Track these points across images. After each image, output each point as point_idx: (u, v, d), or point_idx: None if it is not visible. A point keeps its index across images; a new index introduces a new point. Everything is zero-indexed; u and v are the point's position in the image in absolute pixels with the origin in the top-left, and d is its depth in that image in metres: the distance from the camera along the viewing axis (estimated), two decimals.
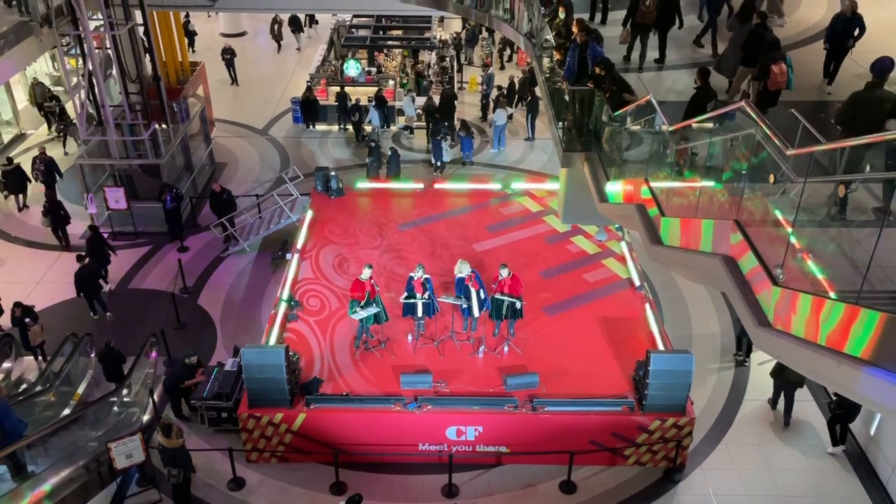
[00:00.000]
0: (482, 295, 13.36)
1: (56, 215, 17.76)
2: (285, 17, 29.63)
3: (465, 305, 13.45)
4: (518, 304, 13.14)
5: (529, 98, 23.14)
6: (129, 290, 16.87)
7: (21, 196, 19.52)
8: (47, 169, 19.07)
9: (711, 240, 7.71)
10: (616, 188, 10.60)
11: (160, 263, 17.70)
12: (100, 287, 15.85)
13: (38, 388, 13.01)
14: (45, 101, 23.06)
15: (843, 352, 5.23)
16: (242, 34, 31.88)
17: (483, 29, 28.43)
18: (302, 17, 30.48)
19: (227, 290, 16.84)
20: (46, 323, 15.02)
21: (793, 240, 6.14)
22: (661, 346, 13.30)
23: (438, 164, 21.18)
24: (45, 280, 16.98)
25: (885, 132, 6.75)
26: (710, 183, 8.45)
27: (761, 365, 14.54)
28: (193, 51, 27.66)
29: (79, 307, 16.03)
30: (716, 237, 7.60)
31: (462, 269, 13.40)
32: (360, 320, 13.21)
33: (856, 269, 5.43)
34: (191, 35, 27.90)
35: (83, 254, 15.79)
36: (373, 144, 20.60)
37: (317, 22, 32.03)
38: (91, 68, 16.98)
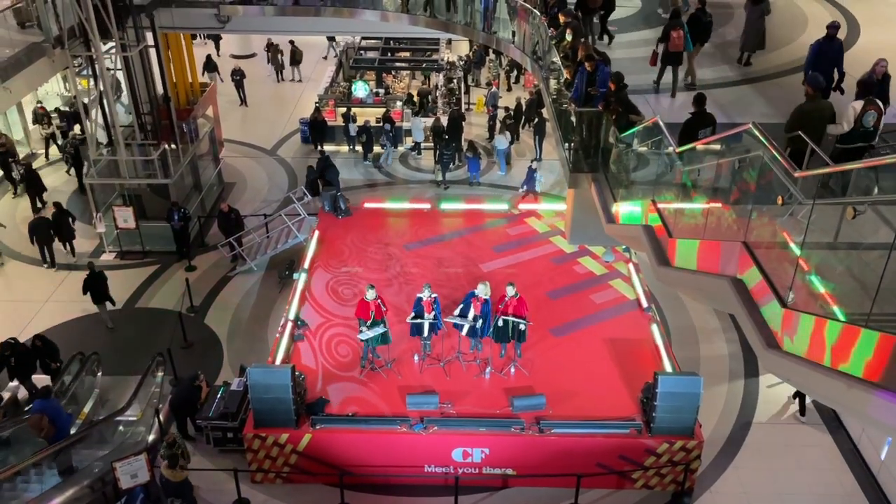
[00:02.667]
0: (480, 323, 13.27)
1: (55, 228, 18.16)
2: (285, 48, 29.75)
3: (464, 330, 13.40)
4: (522, 326, 13.10)
5: (536, 120, 23.24)
6: (136, 308, 16.91)
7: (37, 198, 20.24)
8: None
9: (719, 261, 7.69)
10: (623, 209, 10.60)
11: (168, 282, 17.75)
12: (52, 238, 17.74)
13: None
14: (42, 125, 23.22)
15: (853, 374, 5.19)
16: (252, 56, 32.19)
17: (490, 51, 28.63)
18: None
19: (234, 309, 16.86)
20: (54, 341, 15.05)
21: (801, 261, 6.12)
22: (668, 368, 13.22)
23: (442, 179, 21.52)
24: (53, 299, 17.04)
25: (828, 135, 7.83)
26: (718, 204, 8.45)
27: (770, 388, 14.42)
28: (221, 80, 28.14)
29: (86, 325, 16.08)
30: (724, 259, 7.58)
31: (479, 289, 13.36)
32: (366, 340, 13.18)
33: (865, 290, 5.40)
34: (212, 64, 28.43)
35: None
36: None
37: (335, 51, 31.89)
38: (102, 89, 17.18)
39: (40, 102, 24.07)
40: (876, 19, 17.52)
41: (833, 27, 10.46)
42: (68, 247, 18.39)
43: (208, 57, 28.41)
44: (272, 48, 29.82)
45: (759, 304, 6.80)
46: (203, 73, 26.51)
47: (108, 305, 16.18)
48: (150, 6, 17.97)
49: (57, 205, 18.35)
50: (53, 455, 11.49)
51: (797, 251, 6.25)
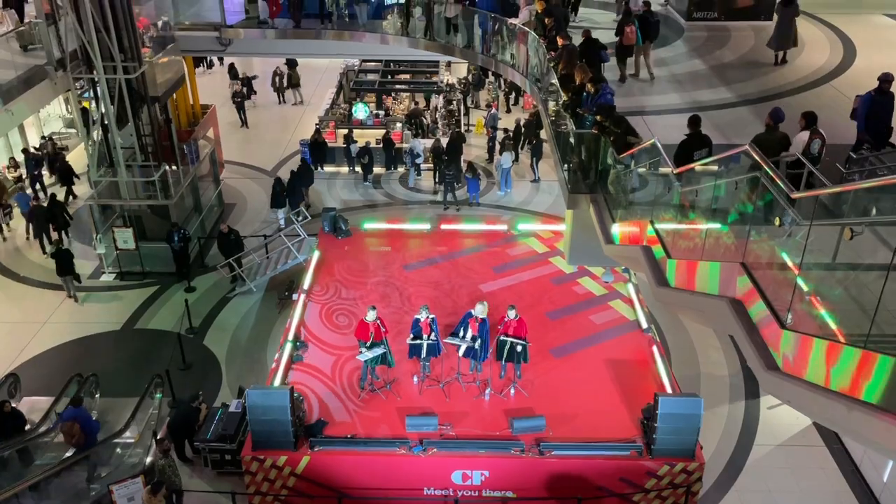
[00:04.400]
0: (478, 343, 13.23)
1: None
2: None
3: (461, 350, 13.37)
4: (520, 347, 13.07)
5: (534, 141, 23.35)
6: (134, 330, 16.88)
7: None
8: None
9: (718, 282, 7.69)
10: (622, 230, 10.62)
11: (167, 304, 17.72)
12: (47, 226, 18.84)
13: (42, 428, 12.94)
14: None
15: (854, 396, 5.17)
16: (254, 78, 32.39)
17: (490, 73, 28.83)
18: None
19: (233, 330, 16.83)
20: (52, 363, 15.00)
21: (800, 282, 6.12)
22: (669, 389, 13.16)
23: (449, 199, 21.61)
24: (51, 321, 17.01)
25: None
26: (716, 225, 8.47)
27: (771, 409, 14.35)
28: (244, 87, 29.22)
29: (85, 347, 16.05)
30: (722, 280, 7.58)
31: (477, 309, 13.34)
32: (365, 361, 13.14)
33: (864, 312, 5.40)
34: (234, 71, 29.78)
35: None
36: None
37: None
38: (104, 111, 17.29)
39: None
40: (871, 41, 17.70)
41: (886, 80, 10.10)
42: (63, 235, 19.49)
43: (231, 65, 30.09)
44: (274, 72, 30.01)
45: (758, 325, 6.79)
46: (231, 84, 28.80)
47: (74, 283, 17.69)
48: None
49: (52, 195, 19.90)
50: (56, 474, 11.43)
51: (795, 272, 6.25)
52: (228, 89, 29.16)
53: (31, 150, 23.04)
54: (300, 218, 18.87)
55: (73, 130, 25.17)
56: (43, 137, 24.33)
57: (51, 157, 22.87)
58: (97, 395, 14.27)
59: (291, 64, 29.47)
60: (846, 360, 5.25)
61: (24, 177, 21.97)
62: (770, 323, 6.46)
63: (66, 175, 21.90)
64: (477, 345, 13.19)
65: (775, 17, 16.58)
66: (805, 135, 8.91)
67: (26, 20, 19.01)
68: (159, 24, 18.81)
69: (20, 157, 22.69)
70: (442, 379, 13.60)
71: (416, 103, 27.05)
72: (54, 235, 19.29)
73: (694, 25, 19.61)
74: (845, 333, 5.53)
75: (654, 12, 16.35)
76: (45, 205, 19.49)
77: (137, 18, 17.10)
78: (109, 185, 18.46)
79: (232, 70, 30.05)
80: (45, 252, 19.01)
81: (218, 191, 21.90)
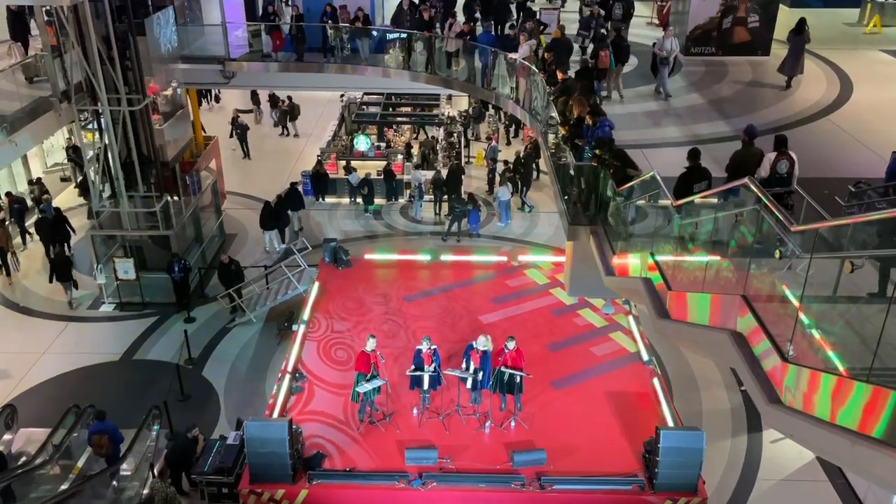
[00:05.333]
0: (480, 375, 13.20)
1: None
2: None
3: (468, 383, 13.32)
4: (518, 378, 13.00)
5: (522, 170, 23.47)
6: (133, 360, 16.80)
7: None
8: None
9: (719, 314, 7.68)
10: (622, 261, 10.63)
11: (166, 334, 17.67)
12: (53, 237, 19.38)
13: (39, 460, 12.81)
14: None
15: (858, 431, 5.13)
16: (258, 107, 32.68)
17: (490, 106, 29.11)
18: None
19: (232, 361, 16.75)
20: (50, 394, 14.89)
21: (801, 315, 6.12)
22: (670, 423, 13.07)
23: (453, 231, 21.72)
24: (50, 351, 16.94)
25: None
26: (716, 258, 8.49)
27: (774, 443, 14.22)
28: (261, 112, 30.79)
29: (83, 378, 15.96)
30: (723, 312, 7.57)
31: (479, 341, 13.32)
32: (364, 393, 13.07)
33: (866, 345, 5.39)
34: (256, 97, 30.58)
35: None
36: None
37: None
38: (107, 142, 17.42)
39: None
40: (868, 77, 17.92)
41: None
42: (66, 247, 19.87)
43: (253, 92, 30.49)
44: (278, 105, 30.25)
45: (760, 358, 6.77)
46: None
47: (73, 290, 18.43)
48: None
49: (56, 209, 20.15)
50: None
51: (796, 305, 6.25)
52: (252, 115, 30.39)
53: (16, 193, 21.78)
54: (299, 247, 18.91)
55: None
56: (30, 182, 23.02)
57: (37, 202, 21.55)
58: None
59: (289, 98, 29.82)
60: (849, 394, 5.23)
61: (6, 223, 20.15)
62: (771, 355, 6.44)
63: (58, 227, 19.82)
64: (480, 377, 13.15)
65: (787, 44, 17.67)
66: (772, 155, 9.48)
67: (32, 52, 19.24)
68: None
69: (22, 187, 22.78)
70: (442, 411, 13.50)
71: (427, 135, 27.27)
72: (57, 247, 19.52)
73: (692, 60, 19.87)
74: (848, 367, 5.51)
75: (624, 38, 18.35)
76: (50, 217, 19.83)
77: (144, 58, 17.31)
78: (111, 215, 18.54)
79: (255, 97, 30.67)
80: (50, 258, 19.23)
81: (219, 221, 21.96)
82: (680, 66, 19.46)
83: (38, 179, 22.78)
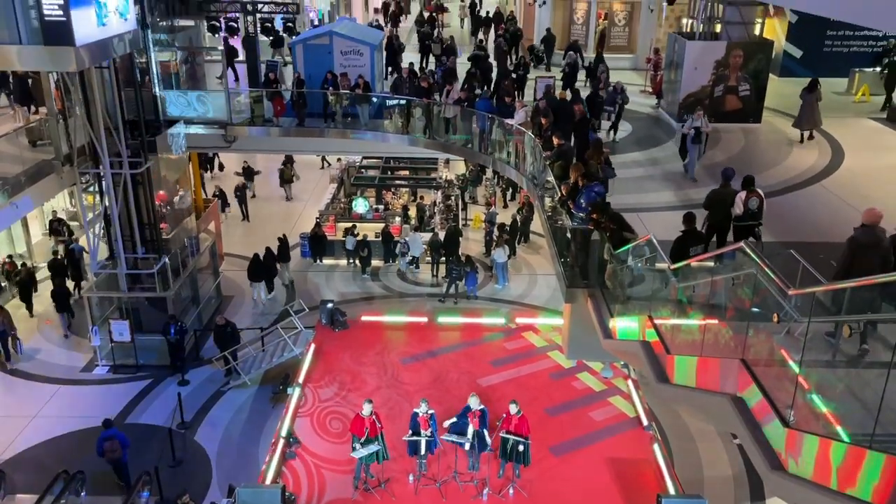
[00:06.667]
0: (481, 434, 13.01)
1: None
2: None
3: (466, 446, 13.10)
4: (521, 447, 12.78)
5: (519, 233, 23.63)
6: (125, 424, 16.50)
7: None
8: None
9: (718, 379, 7.63)
10: (620, 324, 10.61)
11: (160, 397, 17.42)
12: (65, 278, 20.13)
13: None
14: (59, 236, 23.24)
15: (862, 499, 5.04)
16: (256, 173, 33.08)
17: (487, 169, 29.51)
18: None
19: (226, 425, 16.46)
20: (39, 459, 14.57)
21: (801, 380, 6.07)
22: (672, 490, 12.81)
23: (450, 293, 21.69)
24: (41, 415, 16.67)
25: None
26: (714, 321, 8.47)
27: None
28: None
29: (73, 443, 15.66)
30: (723, 376, 7.52)
31: (472, 402, 13.17)
32: (360, 458, 12.82)
33: (867, 410, 5.33)
34: (250, 172, 29.86)
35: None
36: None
37: (328, 164, 33.15)
38: (108, 205, 17.55)
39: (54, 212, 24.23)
40: (858, 143, 18.26)
41: None
42: (76, 289, 20.70)
43: (245, 165, 29.81)
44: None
45: (761, 424, 6.68)
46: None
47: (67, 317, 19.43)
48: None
49: (69, 250, 21.13)
50: None
51: (796, 369, 6.21)
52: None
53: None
54: (296, 308, 18.85)
55: (77, 223, 25.40)
56: (51, 221, 23.73)
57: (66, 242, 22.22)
58: (83, 494, 13.78)
59: (288, 160, 30.21)
60: (852, 461, 5.15)
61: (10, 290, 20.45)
62: (773, 421, 6.37)
63: (77, 266, 21.22)
64: (474, 437, 12.94)
65: (801, 101, 18.37)
66: (743, 194, 10.38)
67: (35, 115, 19.57)
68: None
69: (21, 249, 22.85)
70: (438, 478, 13.24)
71: (422, 198, 27.54)
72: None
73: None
74: (850, 433, 5.43)
75: (599, 93, 19.42)
76: (63, 259, 20.77)
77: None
78: (107, 277, 18.53)
79: (248, 172, 29.72)
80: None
81: (216, 283, 21.96)
82: (673, 133, 19.81)
83: (60, 220, 23.84)
